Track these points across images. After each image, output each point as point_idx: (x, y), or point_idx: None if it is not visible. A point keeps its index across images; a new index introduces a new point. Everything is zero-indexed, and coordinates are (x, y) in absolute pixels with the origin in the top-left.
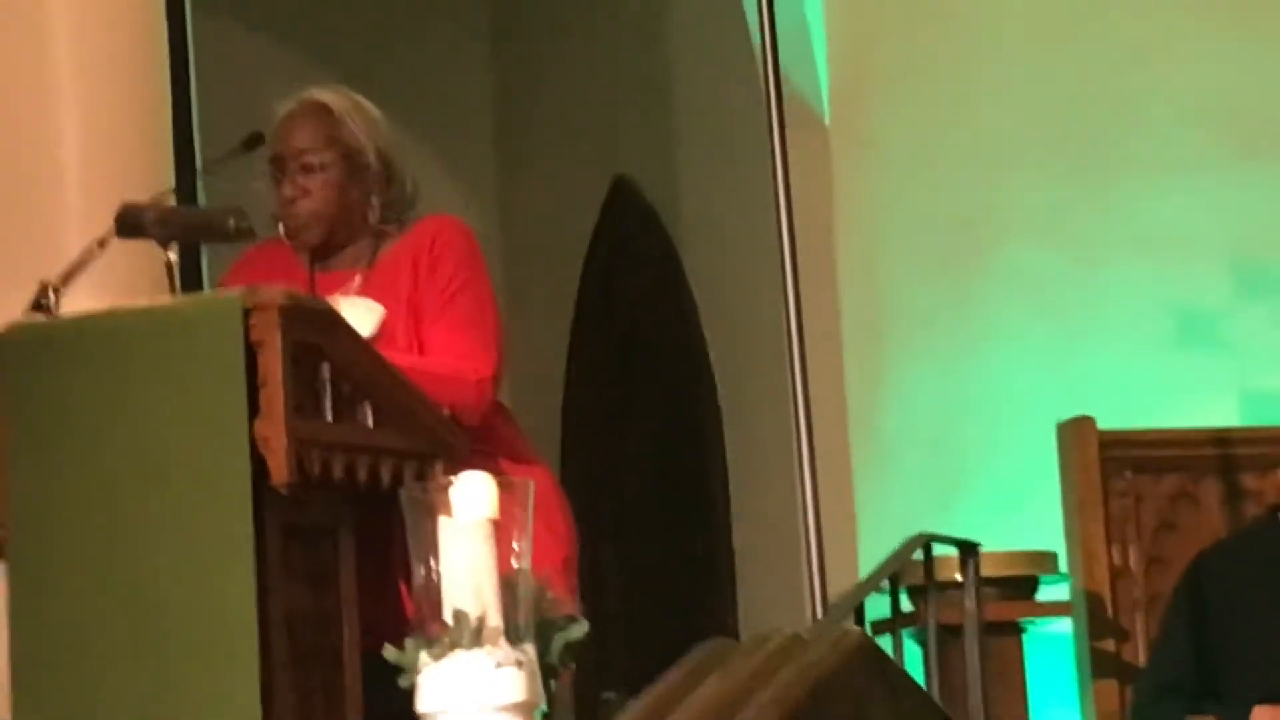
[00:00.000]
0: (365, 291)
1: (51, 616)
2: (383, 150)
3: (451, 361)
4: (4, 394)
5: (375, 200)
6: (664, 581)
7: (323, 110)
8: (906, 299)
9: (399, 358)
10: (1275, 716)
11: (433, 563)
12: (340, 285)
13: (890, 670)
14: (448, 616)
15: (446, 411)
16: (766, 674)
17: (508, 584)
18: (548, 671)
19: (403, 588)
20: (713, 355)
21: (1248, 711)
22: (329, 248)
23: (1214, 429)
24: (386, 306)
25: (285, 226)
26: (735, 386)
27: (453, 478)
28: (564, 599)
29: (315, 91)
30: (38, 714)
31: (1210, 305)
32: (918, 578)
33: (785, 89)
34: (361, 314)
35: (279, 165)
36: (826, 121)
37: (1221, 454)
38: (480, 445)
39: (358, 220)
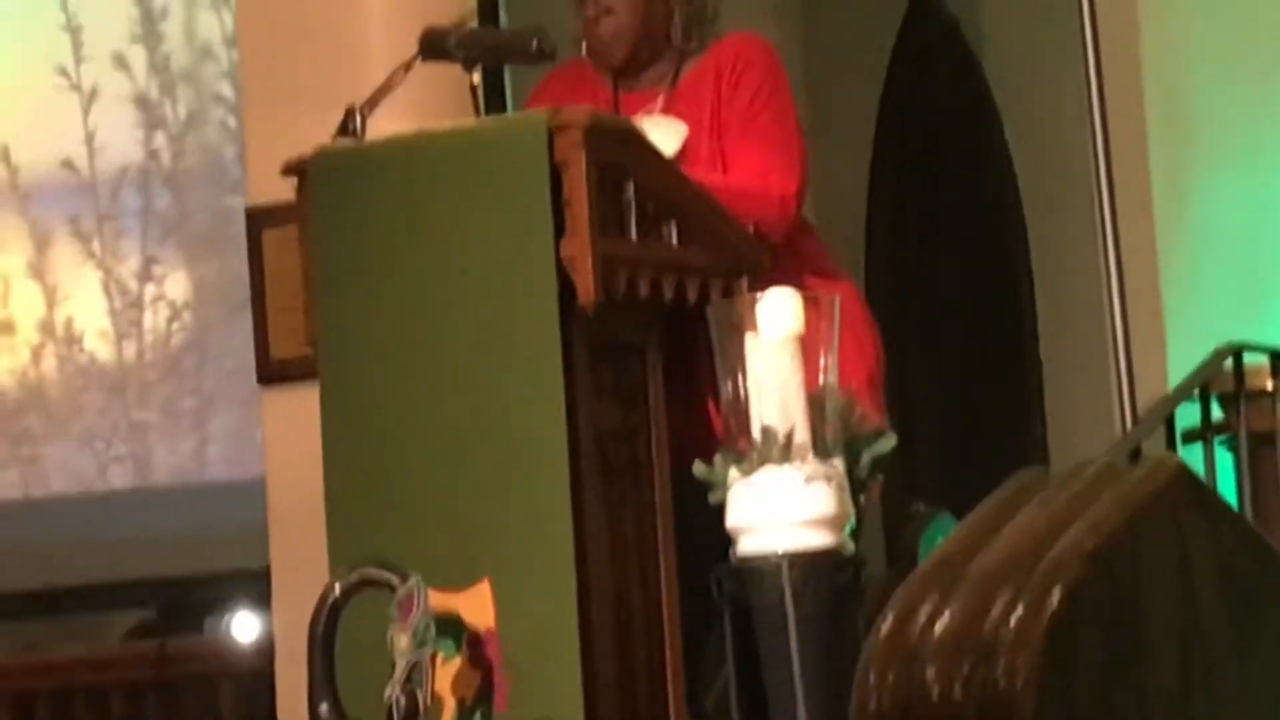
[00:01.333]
0: (667, 110)
1: (364, 435)
2: None
3: (755, 179)
4: (313, 218)
5: (678, 16)
6: (972, 394)
7: None
8: (1213, 104)
9: (703, 176)
10: None
11: (740, 379)
12: (643, 105)
13: (1207, 497)
14: (756, 433)
15: (751, 229)
16: (1083, 503)
17: (815, 400)
18: (856, 486)
19: (711, 405)
20: (1017, 167)
21: None
22: (633, 67)
23: None
24: (689, 125)
25: (589, 47)
26: (1040, 197)
27: (759, 294)
28: (871, 414)
29: None
30: (351, 532)
31: None
32: (1228, 387)
33: None
34: (665, 133)
35: None
36: None
37: None
38: (785, 262)
39: (660, 37)
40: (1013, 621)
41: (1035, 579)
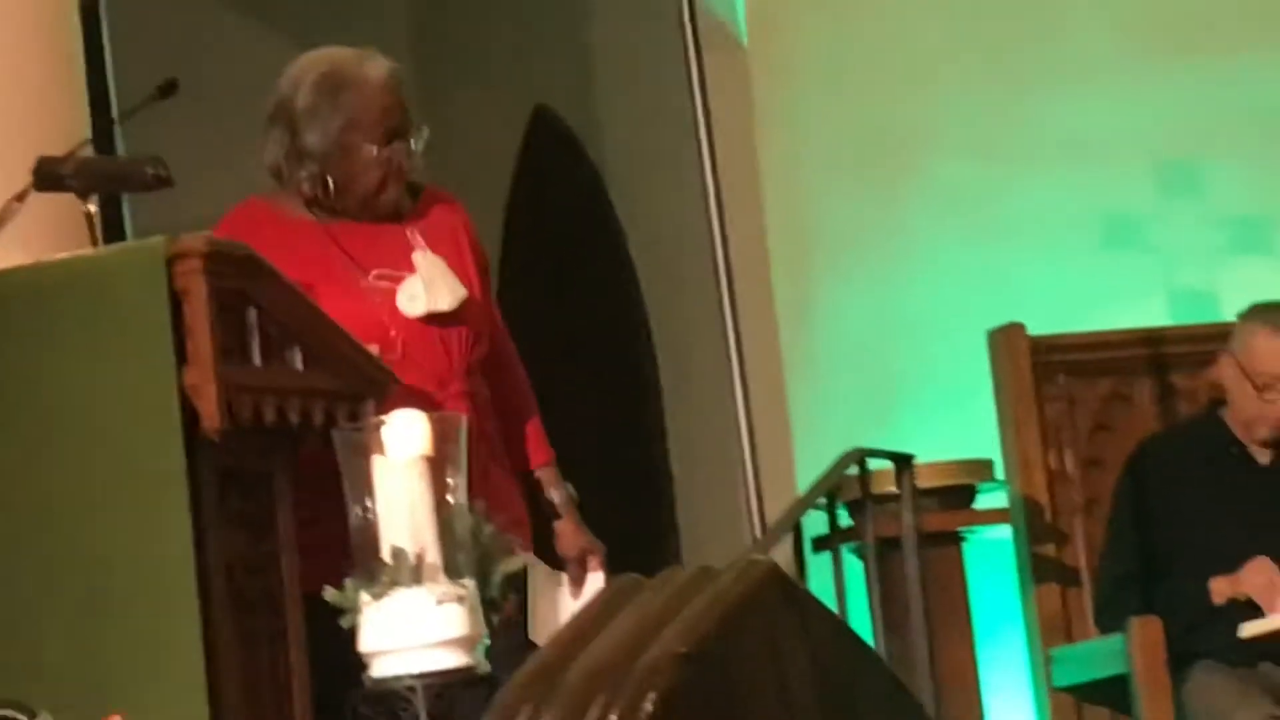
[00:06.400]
0: (429, 245)
1: None
2: None
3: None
4: None
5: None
6: (603, 508)
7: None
8: (832, 217)
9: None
10: (1232, 583)
11: (369, 502)
12: (394, 238)
13: (801, 597)
14: (386, 555)
15: (375, 349)
16: (676, 607)
17: (445, 520)
18: (489, 605)
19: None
20: (642, 281)
21: (1205, 587)
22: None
23: (1144, 329)
24: (454, 270)
25: (382, 194)
26: (666, 311)
27: (384, 417)
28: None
29: (386, 59)
30: None
31: (1135, 207)
32: (855, 493)
33: (701, 12)
34: (444, 285)
35: (396, 133)
36: (744, 43)
37: (1152, 354)
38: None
39: None
40: None
41: (629, 684)
